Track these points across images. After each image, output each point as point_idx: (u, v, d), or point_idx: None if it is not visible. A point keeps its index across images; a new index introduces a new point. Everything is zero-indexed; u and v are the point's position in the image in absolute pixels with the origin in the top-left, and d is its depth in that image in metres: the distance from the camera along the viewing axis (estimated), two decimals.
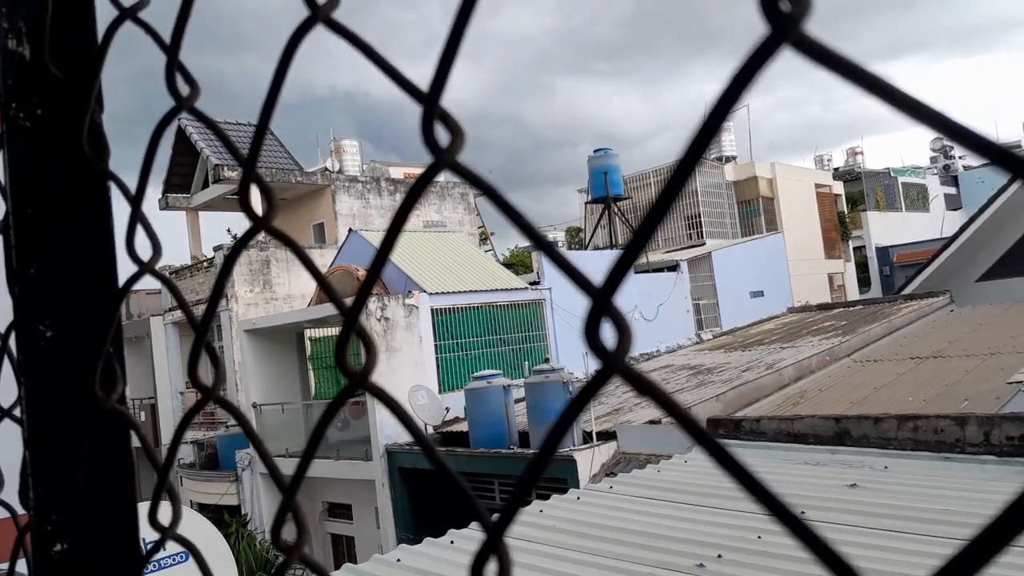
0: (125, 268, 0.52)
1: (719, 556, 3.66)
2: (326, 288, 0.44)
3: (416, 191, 0.36)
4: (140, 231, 0.49)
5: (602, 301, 0.32)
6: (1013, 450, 4.86)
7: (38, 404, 0.54)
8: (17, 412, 0.59)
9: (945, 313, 16.32)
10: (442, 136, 0.34)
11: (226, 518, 13.46)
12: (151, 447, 0.53)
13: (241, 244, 0.46)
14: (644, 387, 0.32)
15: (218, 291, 0.50)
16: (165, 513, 0.56)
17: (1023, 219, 19.26)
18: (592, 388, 0.33)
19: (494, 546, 0.34)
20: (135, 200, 0.47)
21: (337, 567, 5.05)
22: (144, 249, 0.49)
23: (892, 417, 5.43)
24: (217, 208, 24.06)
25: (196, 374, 0.48)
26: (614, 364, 0.32)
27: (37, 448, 0.54)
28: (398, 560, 4.10)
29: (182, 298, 0.47)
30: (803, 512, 4.27)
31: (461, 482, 0.41)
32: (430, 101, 0.34)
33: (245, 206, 0.37)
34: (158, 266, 0.50)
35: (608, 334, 0.33)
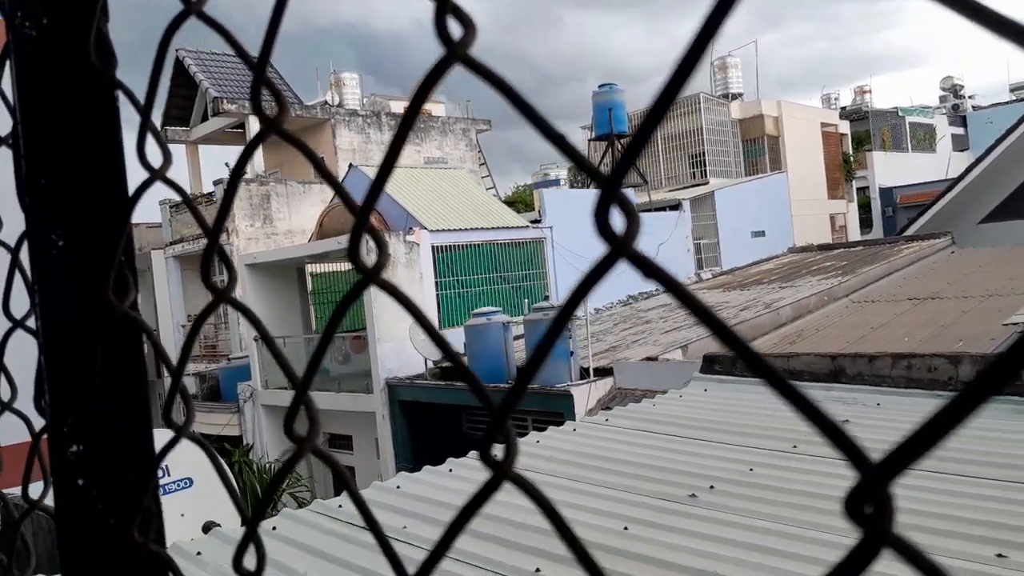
0: (134, 178, 0.53)
1: (711, 487, 3.76)
2: (338, 189, 0.45)
3: (427, 87, 0.36)
4: (150, 140, 0.49)
5: (611, 188, 0.33)
6: (1006, 389, 4.94)
7: (52, 311, 0.55)
8: (30, 323, 0.61)
9: (946, 255, 16.31)
10: (455, 30, 0.34)
11: (228, 448, 13.73)
12: (163, 350, 0.55)
13: (253, 147, 0.47)
14: (651, 271, 0.33)
15: (231, 192, 0.51)
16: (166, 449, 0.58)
17: None
18: (601, 269, 0.34)
19: (501, 428, 0.37)
20: (145, 108, 0.48)
21: (337, 495, 5.18)
22: (155, 158, 0.50)
23: (887, 356, 5.49)
24: (217, 141, 23.83)
25: (210, 278, 0.49)
26: (621, 248, 0.33)
27: (52, 354, 0.56)
28: (398, 487, 4.21)
29: (189, 199, 0.48)
30: (795, 447, 4.36)
31: (463, 365, 0.43)
32: None
33: (256, 107, 0.38)
34: (159, 198, 0.51)
35: (617, 221, 0.34)
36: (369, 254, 0.41)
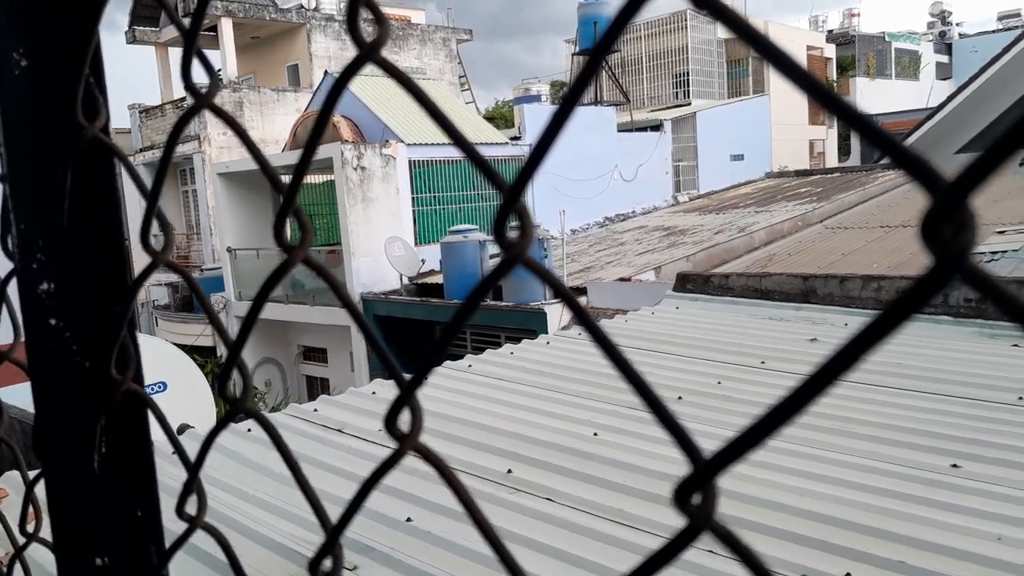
0: None
1: (679, 398, 3.85)
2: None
3: (337, 91, 0.36)
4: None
5: (511, 199, 0.36)
6: (969, 311, 5.06)
7: (15, 135, 0.52)
8: None
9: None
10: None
11: (199, 360, 13.77)
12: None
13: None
14: (543, 276, 0.38)
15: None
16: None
17: (1006, 94, 19.06)
18: (496, 275, 0.38)
19: (410, 395, 0.38)
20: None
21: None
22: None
23: (857, 277, 5.58)
24: None
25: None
26: (517, 255, 0.36)
27: (17, 183, 0.53)
28: (373, 393, 4.26)
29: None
30: (763, 362, 4.46)
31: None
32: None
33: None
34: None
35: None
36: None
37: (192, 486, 0.50)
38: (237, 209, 15.79)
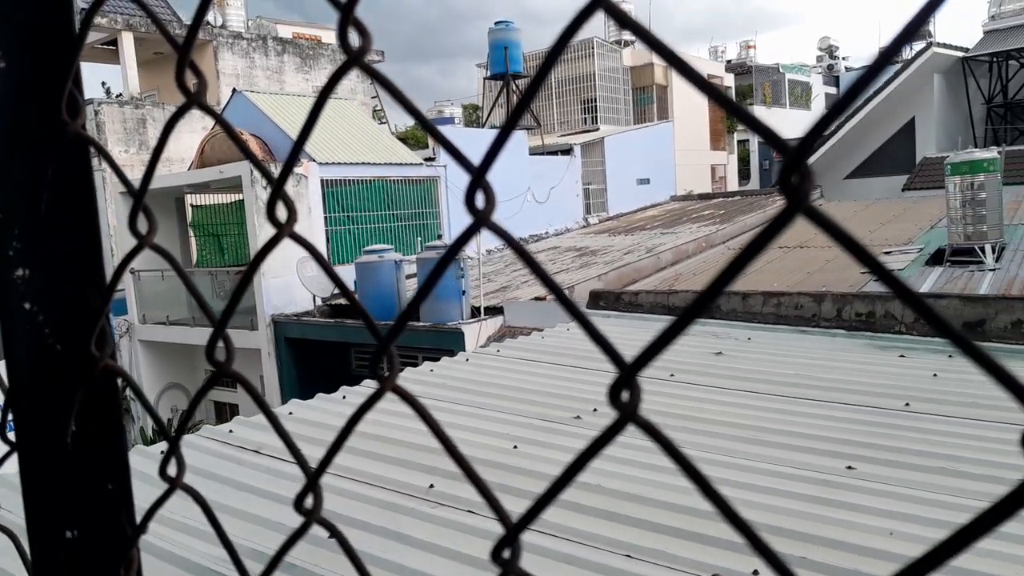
0: None
1: (595, 410, 3.96)
2: (250, 156, 0.49)
3: (326, 91, 0.42)
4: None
5: (478, 176, 0.42)
6: (860, 325, 5.40)
7: None
8: None
9: (817, 207, 17.36)
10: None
11: None
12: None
13: (175, 119, 0.50)
14: (504, 236, 0.44)
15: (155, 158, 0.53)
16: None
17: (890, 123, 20.41)
18: (466, 237, 0.45)
19: (386, 350, 0.44)
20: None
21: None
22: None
23: (758, 294, 5.87)
24: (85, 58, 22.00)
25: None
26: (483, 220, 0.43)
27: None
28: (290, 413, 4.20)
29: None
30: (672, 375, 4.64)
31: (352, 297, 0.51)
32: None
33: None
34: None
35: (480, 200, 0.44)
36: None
37: (174, 450, 0.53)
38: None
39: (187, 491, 0.53)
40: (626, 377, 0.38)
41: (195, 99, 0.47)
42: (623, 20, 0.36)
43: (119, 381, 0.58)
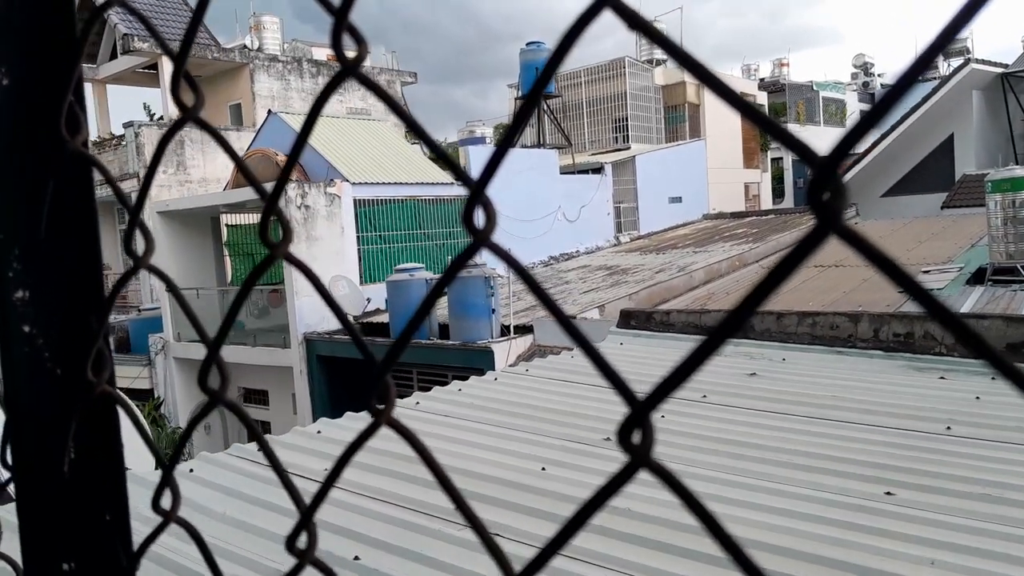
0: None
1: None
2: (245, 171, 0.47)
3: (323, 98, 0.40)
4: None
5: (477, 192, 0.41)
6: (898, 346, 5.27)
7: None
8: None
9: (850, 226, 17.13)
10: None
11: (137, 403, 13.33)
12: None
13: (170, 134, 0.48)
14: (504, 258, 0.42)
15: (150, 175, 0.51)
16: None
17: (928, 140, 20.09)
18: (466, 255, 0.43)
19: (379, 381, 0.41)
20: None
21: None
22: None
23: (793, 313, 5.76)
24: (127, 82, 22.61)
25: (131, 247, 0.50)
26: (483, 240, 0.41)
27: None
28: (318, 432, 4.20)
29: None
30: (704, 396, 4.56)
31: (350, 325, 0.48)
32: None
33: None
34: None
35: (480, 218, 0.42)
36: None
37: (167, 481, 0.51)
38: (176, 248, 15.47)
39: (181, 525, 0.51)
40: (637, 416, 0.35)
41: (191, 114, 0.46)
42: (633, 20, 0.33)
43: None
